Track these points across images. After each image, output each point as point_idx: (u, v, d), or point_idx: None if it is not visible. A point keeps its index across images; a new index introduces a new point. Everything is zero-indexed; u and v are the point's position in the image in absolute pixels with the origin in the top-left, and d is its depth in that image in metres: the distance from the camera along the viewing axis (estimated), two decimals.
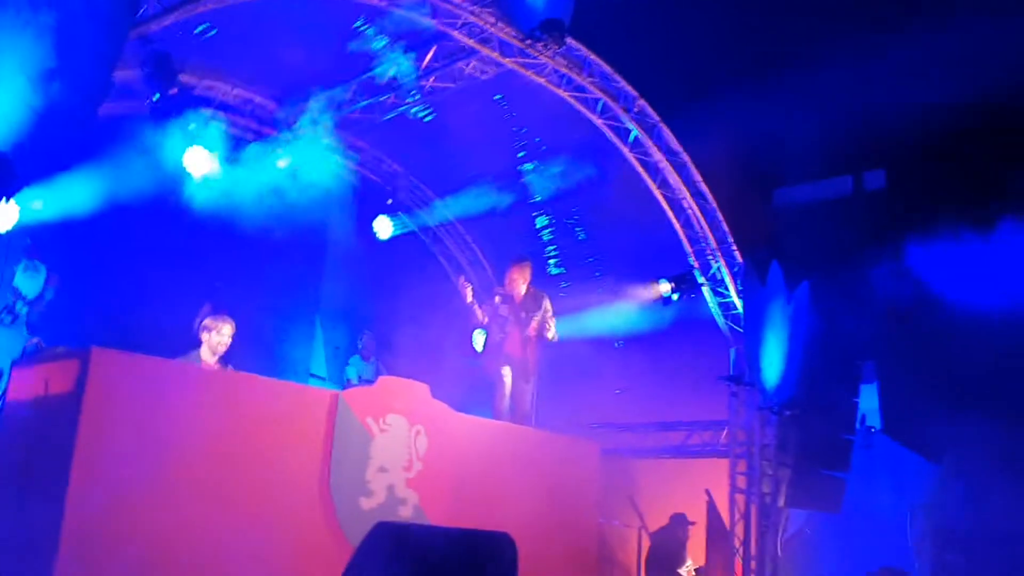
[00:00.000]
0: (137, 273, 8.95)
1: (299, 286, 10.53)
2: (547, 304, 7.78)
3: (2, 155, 3.78)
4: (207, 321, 6.65)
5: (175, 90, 6.96)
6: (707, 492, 9.63)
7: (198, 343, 6.56)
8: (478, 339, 11.16)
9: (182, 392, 5.28)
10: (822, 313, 8.91)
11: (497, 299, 7.75)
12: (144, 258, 8.81)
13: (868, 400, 10.50)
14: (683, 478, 9.78)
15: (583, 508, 7.57)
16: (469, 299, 7.86)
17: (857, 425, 10.29)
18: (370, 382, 8.52)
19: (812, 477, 9.52)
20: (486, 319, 7.96)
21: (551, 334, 7.75)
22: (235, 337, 7.60)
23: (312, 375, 10.44)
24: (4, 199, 4.03)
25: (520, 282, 7.79)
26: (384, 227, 10.27)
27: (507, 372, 7.78)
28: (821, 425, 9.46)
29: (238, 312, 9.11)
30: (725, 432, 9.01)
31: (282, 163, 8.90)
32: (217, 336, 6.50)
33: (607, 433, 10.15)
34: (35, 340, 7.29)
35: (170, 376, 5.31)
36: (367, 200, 10.50)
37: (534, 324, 7.68)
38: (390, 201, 10.24)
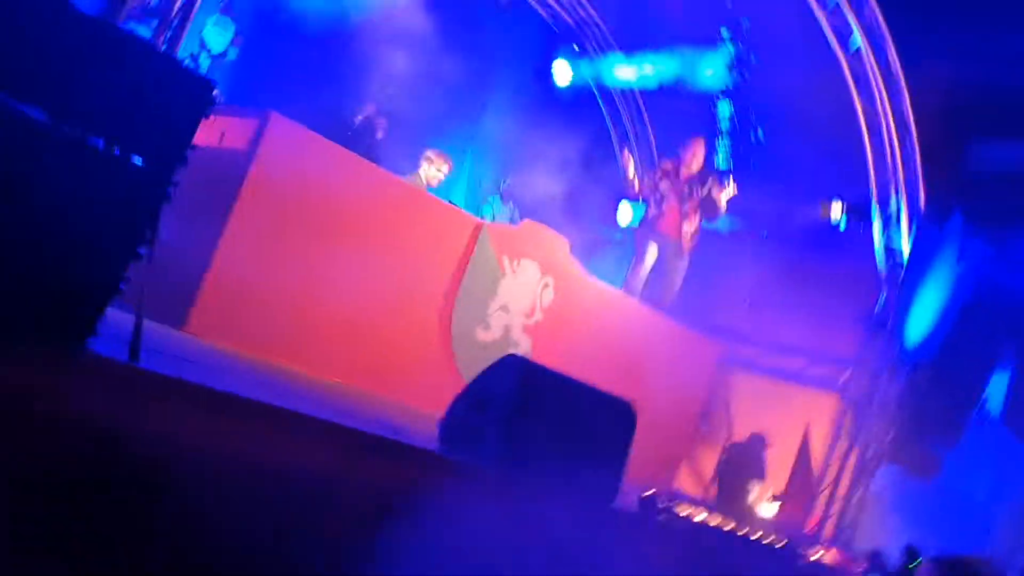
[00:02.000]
0: (319, 58, 9.02)
1: (462, 110, 10.44)
2: (715, 185, 7.43)
3: None
4: (430, 153, 7.36)
5: None
6: (807, 425, 9.40)
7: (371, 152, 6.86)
8: (624, 212, 10.94)
9: (345, 179, 5.34)
10: (990, 283, 8.31)
11: (660, 173, 7.44)
12: (328, 40, 8.83)
13: (997, 384, 9.96)
14: (790, 405, 9.53)
15: (688, 405, 7.51)
16: (631, 173, 7.64)
17: (977, 406, 9.84)
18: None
19: (915, 441, 9.24)
20: (642, 194, 7.73)
21: (723, 204, 7.53)
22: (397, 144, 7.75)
23: (449, 200, 10.52)
24: None
25: (698, 155, 7.51)
26: (563, 72, 9.94)
27: (652, 250, 7.58)
28: (943, 393, 9.07)
29: (395, 117, 9.21)
30: (848, 372, 8.63)
31: None
32: (434, 171, 7.05)
33: (727, 339, 9.93)
34: (215, 91, 7.47)
35: (337, 160, 5.36)
36: (553, 41, 10.14)
37: (699, 198, 7.43)
38: (576, 47, 9.84)
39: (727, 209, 7.73)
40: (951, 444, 9.65)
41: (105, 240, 2.05)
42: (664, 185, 7.51)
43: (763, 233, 9.37)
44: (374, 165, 5.90)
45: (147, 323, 4.55)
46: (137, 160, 2.05)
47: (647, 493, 3.52)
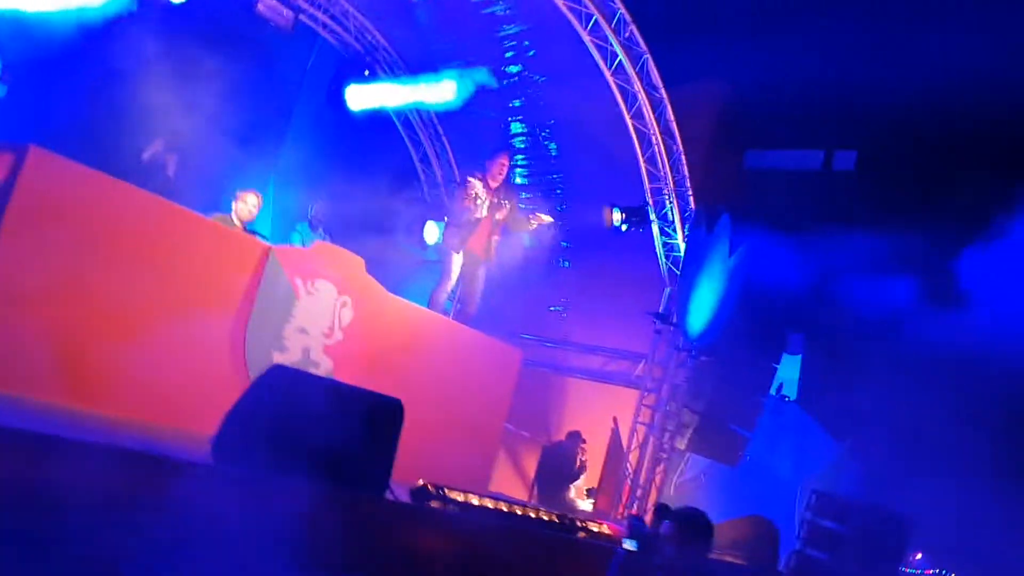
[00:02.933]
0: (97, 86, 8.75)
1: (259, 140, 10.38)
2: (515, 200, 7.79)
3: None
4: (238, 192, 7.33)
5: None
6: (614, 419, 9.96)
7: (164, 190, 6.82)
8: (430, 231, 11.20)
9: (117, 211, 5.23)
10: (763, 275, 9.12)
11: (470, 187, 7.58)
12: (105, 73, 8.59)
13: (790, 370, 10.90)
14: (598, 402, 10.08)
15: (493, 408, 7.77)
16: (473, 194, 7.62)
17: (772, 390, 10.71)
18: None
19: (718, 428, 9.93)
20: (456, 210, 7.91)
21: (533, 226, 7.74)
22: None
23: (254, 231, 10.41)
24: None
25: (504, 169, 7.75)
26: (357, 97, 10.10)
27: (456, 262, 7.78)
28: (738, 381, 9.82)
29: (192, 149, 9.06)
30: (642, 365, 9.26)
31: (261, 7, 8.65)
32: (244, 206, 7.19)
33: (534, 346, 10.38)
34: None
35: (106, 191, 5.24)
36: (344, 67, 10.30)
37: (505, 211, 7.64)
38: (367, 72, 10.05)
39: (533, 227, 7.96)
40: (750, 426, 10.45)
41: None
42: (473, 199, 7.64)
43: (563, 262, 9.89)
44: (149, 194, 5.81)
45: None
46: None
47: (419, 484, 3.71)
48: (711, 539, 3.72)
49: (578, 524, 4.35)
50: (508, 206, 7.61)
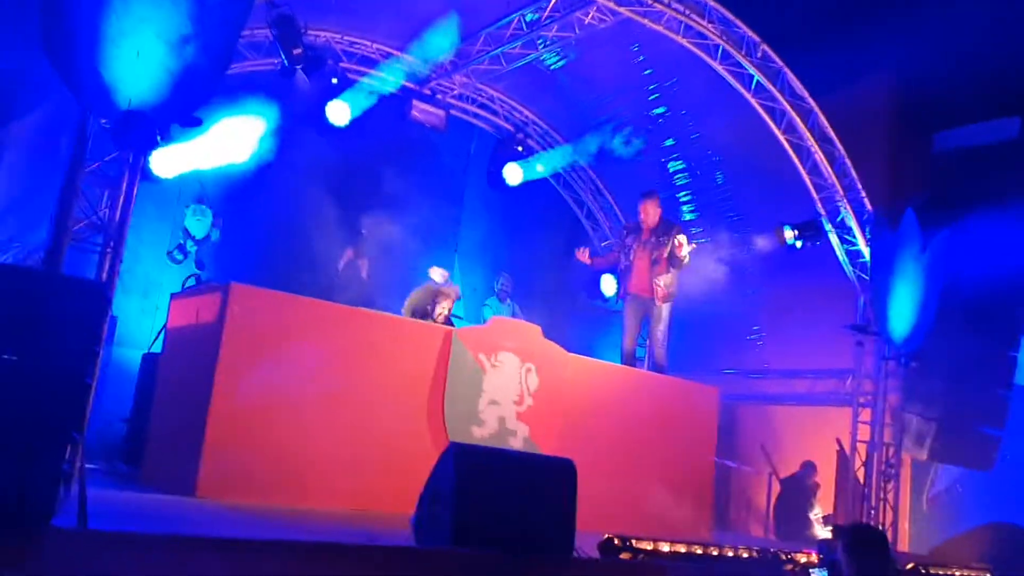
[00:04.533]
0: (290, 216, 9.76)
1: (438, 229, 11.06)
2: (680, 233, 7.75)
3: (141, 113, 4.35)
4: (444, 288, 8.24)
5: (299, 51, 7.50)
6: (838, 440, 9.50)
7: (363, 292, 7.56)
8: (607, 283, 11.37)
9: (312, 325, 5.84)
10: (974, 261, 8.51)
11: (625, 231, 7.82)
12: (295, 203, 9.58)
13: None
14: (815, 426, 9.69)
15: (699, 449, 7.71)
16: (587, 259, 8.06)
17: (1016, 380, 9.79)
18: None
19: (963, 432, 9.18)
20: (616, 258, 8.12)
21: (684, 254, 7.67)
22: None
23: (454, 315, 11.03)
24: (143, 153, 4.63)
25: (650, 212, 7.88)
26: (513, 174, 10.57)
27: (631, 314, 7.94)
28: (973, 378, 9.07)
29: (381, 256, 9.83)
30: (849, 380, 8.83)
31: (415, 114, 9.34)
32: (448, 305, 7.91)
33: (740, 379, 10.17)
34: (193, 275, 8.17)
35: (299, 309, 5.88)
36: (499, 146, 10.83)
37: (666, 249, 7.67)
38: (520, 148, 10.50)
39: (690, 258, 7.98)
40: (999, 424, 9.60)
41: (41, 436, 2.54)
42: (629, 240, 7.92)
43: (750, 291, 9.70)
44: (333, 304, 6.40)
45: (163, 496, 5.07)
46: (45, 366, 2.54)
47: (604, 537, 3.83)
48: (886, 551, 3.54)
49: (782, 557, 4.26)
50: (669, 243, 7.65)
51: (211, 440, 5.34)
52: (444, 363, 6.45)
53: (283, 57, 7.63)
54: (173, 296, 6.59)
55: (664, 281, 7.76)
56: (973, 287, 8.60)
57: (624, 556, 3.77)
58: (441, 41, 8.70)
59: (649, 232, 7.83)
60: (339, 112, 8.93)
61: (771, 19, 8.32)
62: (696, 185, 10.52)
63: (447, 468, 3.70)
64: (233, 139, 8.62)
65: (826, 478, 9.50)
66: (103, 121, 4.52)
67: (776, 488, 9.74)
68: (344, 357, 6.00)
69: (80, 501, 2.70)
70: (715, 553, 4.02)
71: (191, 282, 7.75)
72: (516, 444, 6.68)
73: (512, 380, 6.80)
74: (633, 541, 3.85)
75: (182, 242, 9.21)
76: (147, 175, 6.13)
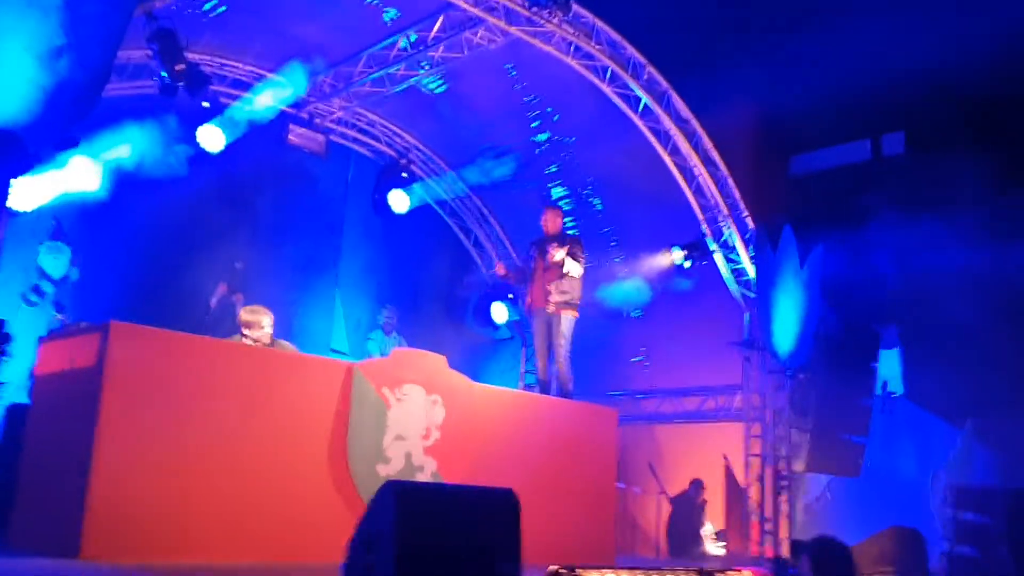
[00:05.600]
0: (157, 250, 9.14)
1: (317, 261, 10.66)
2: (575, 244, 7.45)
3: (12, 133, 3.88)
4: (243, 316, 6.53)
5: (182, 67, 7.04)
6: (724, 457, 9.71)
7: (236, 331, 6.59)
8: (498, 310, 11.28)
9: (199, 364, 5.39)
10: (838, 277, 8.91)
11: (532, 251, 7.57)
12: (163, 235, 8.97)
13: (890, 366, 10.49)
14: (702, 443, 9.87)
15: (602, 473, 7.64)
16: (503, 271, 7.76)
17: (877, 390, 10.30)
18: None
19: (831, 442, 9.57)
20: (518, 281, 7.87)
21: (574, 268, 7.32)
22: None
23: (333, 350, 10.59)
24: (17, 177, 4.13)
25: (549, 221, 7.61)
26: (399, 201, 10.33)
27: (537, 332, 7.70)
28: (839, 390, 9.48)
29: (257, 288, 9.34)
30: (739, 396, 9.05)
31: (292, 138, 8.97)
32: (259, 330, 6.34)
33: (627, 401, 10.25)
34: (60, 317, 7.48)
35: (187, 349, 5.42)
36: (382, 173, 10.56)
37: (556, 253, 7.29)
38: (405, 174, 10.29)
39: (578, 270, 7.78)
40: (864, 432, 10.05)
41: None
42: (532, 252, 7.67)
43: (633, 312, 9.77)
44: (222, 341, 5.98)
45: (44, 561, 4.49)
46: None
47: (550, 570, 3.65)
48: (851, 564, 3.55)
49: (717, 575, 4.20)
50: (564, 252, 7.42)
51: (95, 495, 4.78)
52: (345, 400, 6.09)
53: (164, 74, 7.11)
54: (42, 340, 5.94)
55: (556, 287, 7.41)
56: (838, 301, 9.02)
57: None
58: (297, 78, 8.41)
59: (548, 242, 7.69)
60: (212, 137, 8.44)
61: (654, 42, 8.48)
62: (579, 211, 10.60)
63: (385, 510, 3.41)
64: (93, 167, 8.02)
65: (715, 494, 9.69)
66: None
67: (666, 507, 9.84)
68: (236, 397, 5.54)
69: None
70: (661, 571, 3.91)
71: (57, 324, 7.06)
72: (424, 479, 6.38)
73: (418, 413, 6.50)
74: (580, 571, 3.69)
75: (37, 283, 8.44)
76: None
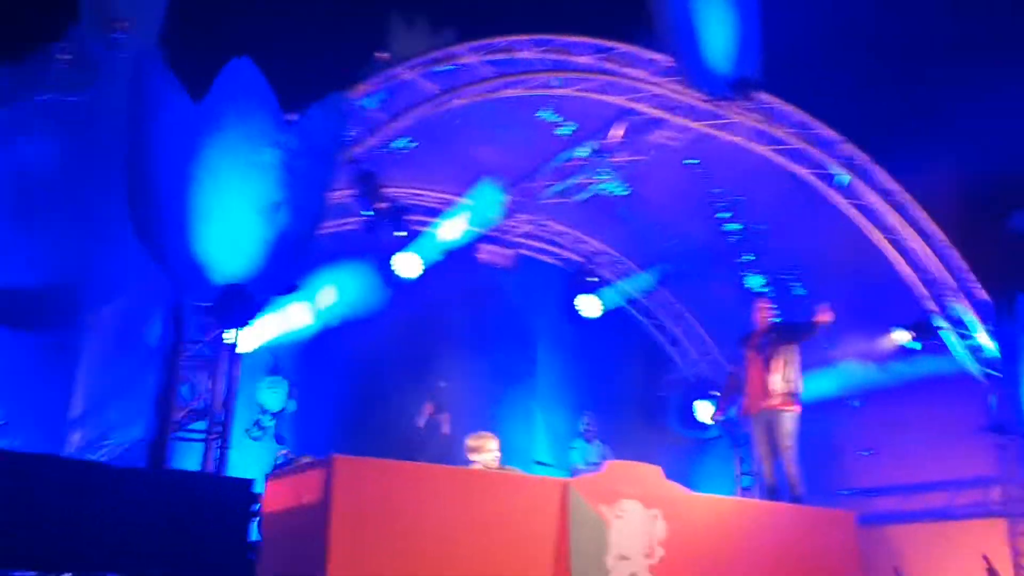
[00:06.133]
0: (365, 378, 9.47)
1: (514, 373, 10.69)
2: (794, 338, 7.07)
3: (243, 288, 4.08)
4: (470, 443, 6.73)
5: (383, 204, 7.38)
6: (985, 558, 8.58)
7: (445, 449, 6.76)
8: (703, 409, 10.78)
9: (423, 492, 5.35)
10: None
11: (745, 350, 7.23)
12: (370, 363, 9.29)
13: None
14: (951, 544, 8.78)
15: None
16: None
17: None
18: (596, 464, 8.38)
19: None
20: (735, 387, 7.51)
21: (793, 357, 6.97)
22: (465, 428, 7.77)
23: (537, 462, 10.46)
24: (244, 326, 4.32)
25: (763, 314, 7.31)
26: (590, 305, 10.22)
27: (758, 437, 7.26)
28: None
29: (460, 406, 9.43)
30: (998, 489, 8.01)
31: (482, 256, 9.13)
32: (488, 454, 6.53)
33: (857, 500, 9.35)
34: (284, 451, 7.78)
35: (410, 477, 5.40)
36: (571, 280, 10.55)
37: (781, 347, 6.97)
38: (595, 279, 10.21)
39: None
40: None
41: None
42: (742, 352, 7.31)
43: (854, 403, 9.04)
44: (444, 467, 5.95)
45: None
46: None
47: None
48: None
49: None
50: (786, 344, 7.02)
51: None
52: (564, 520, 5.86)
53: (369, 212, 7.50)
54: (268, 477, 6.14)
55: (783, 376, 6.95)
56: None
57: None
58: (488, 199, 8.61)
59: (761, 335, 7.27)
60: (409, 264, 8.73)
61: (843, 116, 8.07)
62: (780, 298, 10.04)
63: None
64: (307, 306, 8.48)
65: None
66: (199, 302, 4.25)
67: None
68: (464, 522, 5.45)
69: None
70: None
71: (281, 459, 7.33)
72: None
73: (639, 530, 6.16)
74: None
75: (258, 418, 8.91)
76: None
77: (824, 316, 6.95)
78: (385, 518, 5.14)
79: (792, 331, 7.15)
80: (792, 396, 7.00)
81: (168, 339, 4.12)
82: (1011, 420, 7.70)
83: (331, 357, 9.28)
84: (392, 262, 8.82)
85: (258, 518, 6.07)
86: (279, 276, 4.34)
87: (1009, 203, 9.45)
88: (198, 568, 2.00)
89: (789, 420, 6.97)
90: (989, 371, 8.17)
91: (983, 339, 8.15)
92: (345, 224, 8.41)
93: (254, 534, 2.42)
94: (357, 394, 9.33)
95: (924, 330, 8.06)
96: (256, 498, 2.09)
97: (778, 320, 7.42)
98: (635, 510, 6.17)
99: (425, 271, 9.11)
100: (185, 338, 4.19)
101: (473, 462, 6.48)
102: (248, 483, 2.11)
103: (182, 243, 4.21)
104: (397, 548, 5.10)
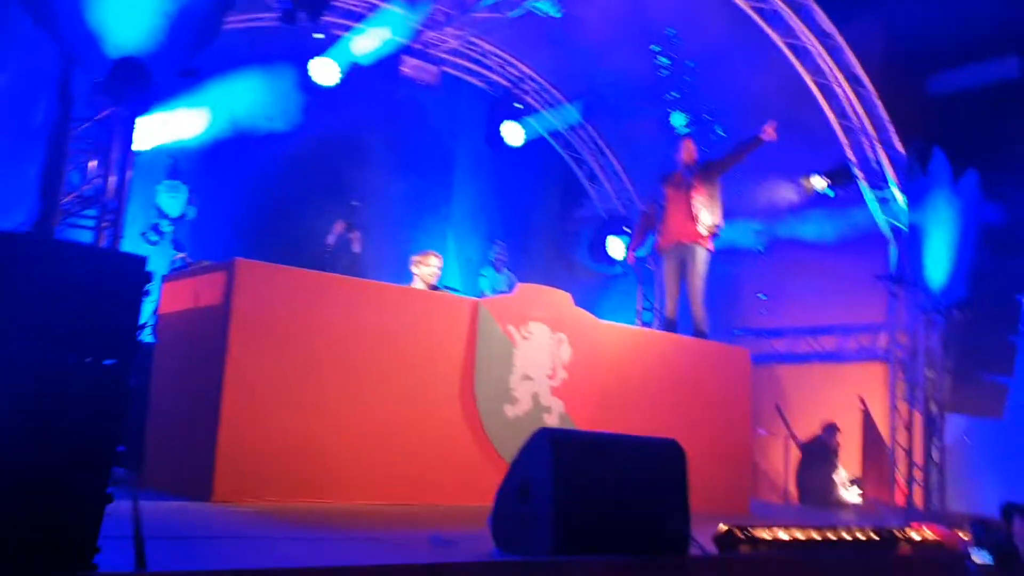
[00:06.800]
0: (272, 189, 9.07)
1: (430, 197, 10.46)
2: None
3: (140, 62, 3.67)
4: (413, 257, 7.06)
5: None
6: (861, 399, 9.15)
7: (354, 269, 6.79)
8: (614, 246, 10.86)
9: (326, 301, 5.23)
10: (992, 204, 8.16)
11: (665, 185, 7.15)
12: (277, 174, 8.88)
13: None
14: (835, 385, 9.31)
15: (735, 416, 7.24)
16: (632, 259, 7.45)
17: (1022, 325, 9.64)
18: (503, 293, 8.40)
19: (973, 381, 9.00)
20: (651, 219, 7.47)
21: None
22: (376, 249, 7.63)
23: (446, 287, 10.45)
24: (143, 110, 3.93)
25: (690, 149, 7.25)
26: (514, 133, 9.95)
27: (669, 272, 7.33)
28: (985, 326, 8.86)
29: (372, 226, 9.20)
30: (884, 336, 8.41)
31: (405, 70, 8.66)
32: (427, 269, 6.86)
33: (753, 340, 9.73)
34: (182, 255, 7.47)
35: (311, 285, 5.24)
36: (495, 105, 10.19)
37: (707, 182, 6.95)
38: (519, 105, 9.88)
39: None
40: (1007, 371, 9.43)
41: (78, 455, 1.92)
42: (663, 188, 7.23)
43: (760, 249, 9.17)
44: (351, 278, 5.80)
45: (175, 503, 4.45)
46: (87, 361, 1.92)
47: (721, 529, 3.31)
48: None
49: (897, 535, 3.79)
50: (706, 183, 7.02)
51: (225, 438, 4.69)
52: (472, 338, 5.86)
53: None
54: (164, 279, 5.88)
55: (701, 215, 6.97)
56: (990, 230, 8.28)
57: (744, 549, 3.26)
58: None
59: (686, 171, 7.21)
60: (325, 70, 8.20)
61: None
62: (700, 139, 9.96)
63: (539, 458, 3.13)
64: (209, 107, 7.93)
65: (850, 439, 9.15)
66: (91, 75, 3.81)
67: (795, 452, 9.37)
68: (363, 336, 5.36)
69: (136, 537, 2.08)
70: (834, 538, 3.53)
71: (178, 263, 7.04)
72: (552, 421, 6.13)
73: (544, 352, 6.23)
74: (752, 531, 3.34)
75: (156, 222, 8.49)
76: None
77: (769, 133, 6.86)
78: (286, 325, 5.01)
79: (724, 159, 7.08)
80: (711, 232, 7.04)
81: (54, 117, 3.70)
82: (909, 272, 7.99)
83: (237, 165, 8.81)
84: (309, 67, 8.28)
85: (154, 320, 5.86)
86: (180, 54, 3.92)
87: (935, 63, 9.44)
88: (83, 343, 1.82)
89: (704, 256, 7.04)
90: (895, 222, 8.39)
91: (895, 192, 8.31)
92: (259, 19, 7.77)
93: (146, 315, 2.27)
94: (263, 206, 8.95)
95: (840, 178, 8.14)
96: (150, 277, 1.89)
97: (704, 159, 7.37)
98: (542, 332, 6.21)
99: (344, 81, 8.61)
100: (74, 116, 3.78)
101: (414, 276, 6.71)
102: (142, 260, 1.91)
103: (73, 8, 3.71)
104: (297, 355, 4.99)
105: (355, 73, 8.64)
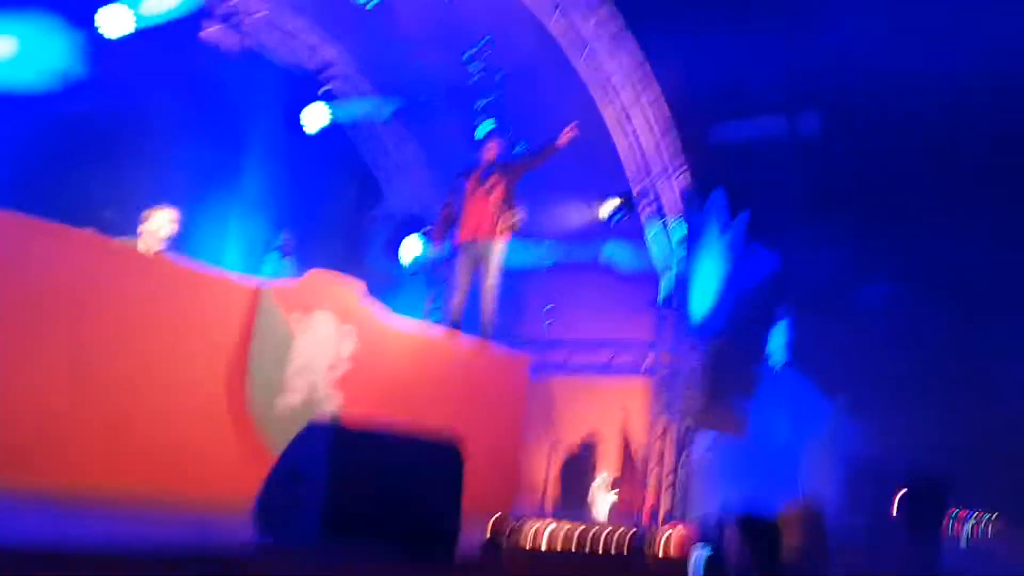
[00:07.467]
0: (44, 156, 8.19)
1: (217, 174, 9.90)
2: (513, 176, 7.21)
3: None
4: (144, 213, 6.50)
5: None
6: (625, 411, 9.70)
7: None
8: (408, 246, 10.82)
9: (71, 262, 4.68)
10: (758, 245, 8.99)
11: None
12: (54, 139, 8.05)
13: (778, 336, 10.91)
14: (603, 398, 9.81)
15: (509, 419, 7.43)
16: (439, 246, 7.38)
17: (766, 358, 10.71)
18: None
19: (721, 403, 9.89)
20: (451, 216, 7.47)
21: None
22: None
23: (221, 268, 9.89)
24: None
25: (491, 151, 7.41)
26: (315, 118, 9.66)
27: (462, 267, 7.37)
28: (736, 355, 9.74)
29: (144, 195, 8.54)
30: (651, 355, 8.99)
31: (205, 35, 8.16)
32: (149, 224, 6.09)
33: (530, 349, 10.01)
34: None
35: (57, 243, 4.65)
36: (298, 87, 9.85)
37: (500, 184, 7.09)
38: (323, 90, 9.61)
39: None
40: (749, 394, 10.41)
41: None
42: (462, 184, 7.32)
43: (547, 263, 9.49)
44: (103, 237, 5.28)
45: None
46: None
47: (495, 519, 3.36)
48: (778, 536, 3.45)
49: (647, 537, 4.04)
50: (506, 182, 7.17)
51: None
52: (249, 323, 5.57)
53: None
54: None
55: (499, 211, 7.14)
56: (745, 271, 9.12)
57: (514, 539, 3.32)
58: None
59: (487, 169, 7.31)
60: (117, 20, 7.51)
61: None
62: (504, 151, 10.16)
63: (312, 443, 3.03)
64: None
65: (611, 447, 9.68)
66: None
67: (556, 460, 9.76)
68: (116, 305, 4.90)
69: None
70: (595, 530, 3.70)
71: None
72: (328, 414, 5.99)
73: (327, 343, 6.05)
74: (523, 522, 3.42)
75: None
76: None
77: (566, 137, 7.09)
78: (18, 284, 4.46)
79: (523, 160, 7.26)
80: (507, 232, 7.18)
81: None
82: (676, 301, 8.59)
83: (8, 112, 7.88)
84: (97, 16, 7.54)
85: None
86: None
87: (730, 110, 10.25)
88: None
89: (500, 254, 7.16)
90: (669, 254, 8.99)
91: (672, 225, 8.89)
92: None
93: None
94: (29, 172, 8.05)
95: (624, 207, 8.60)
96: None
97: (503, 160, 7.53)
98: (326, 323, 6.05)
99: (135, 39, 7.94)
100: None
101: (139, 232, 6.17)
102: None
103: None
104: (28, 320, 4.46)
105: (149, 32, 8.02)
